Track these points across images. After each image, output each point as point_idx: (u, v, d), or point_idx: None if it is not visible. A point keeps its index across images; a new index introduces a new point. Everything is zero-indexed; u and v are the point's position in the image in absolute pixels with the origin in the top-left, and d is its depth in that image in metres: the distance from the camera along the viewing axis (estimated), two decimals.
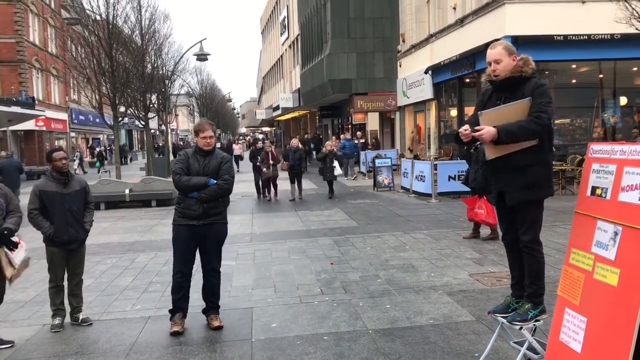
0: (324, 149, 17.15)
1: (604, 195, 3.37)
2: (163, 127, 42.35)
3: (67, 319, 5.80)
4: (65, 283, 5.83)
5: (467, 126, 3.66)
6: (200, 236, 5.39)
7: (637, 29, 12.99)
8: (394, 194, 16.70)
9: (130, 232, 11.66)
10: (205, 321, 5.56)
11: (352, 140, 24.18)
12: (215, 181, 5.32)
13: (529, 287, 3.93)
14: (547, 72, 18.44)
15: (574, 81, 19.05)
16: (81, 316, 5.82)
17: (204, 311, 5.65)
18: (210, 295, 5.62)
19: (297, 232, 10.66)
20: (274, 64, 59.11)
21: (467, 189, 14.62)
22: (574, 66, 18.53)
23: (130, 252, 9.42)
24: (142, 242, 10.46)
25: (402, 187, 16.97)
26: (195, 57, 27.29)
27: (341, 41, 29.78)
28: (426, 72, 22.65)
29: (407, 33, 26.15)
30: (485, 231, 9.44)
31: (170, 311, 5.51)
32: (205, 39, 29.66)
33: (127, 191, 15.89)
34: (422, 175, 15.14)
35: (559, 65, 17.96)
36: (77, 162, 35.09)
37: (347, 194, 17.14)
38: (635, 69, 18.48)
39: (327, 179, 16.27)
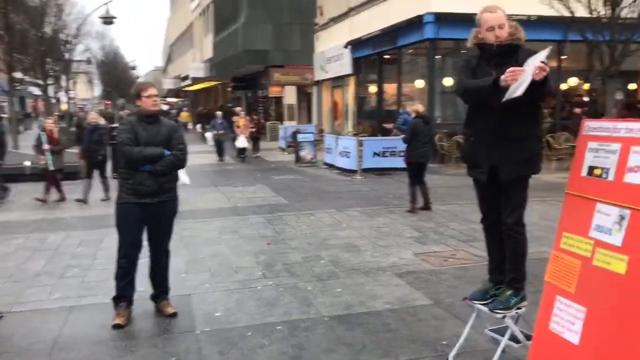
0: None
1: (604, 176, 3.13)
2: (59, 94, 39.45)
3: None
4: None
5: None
6: (152, 215, 4.78)
7: (557, 11, 13.32)
8: (317, 169, 16.40)
9: (33, 208, 10.54)
10: (135, 310, 4.96)
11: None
12: (169, 152, 4.71)
13: (510, 273, 3.69)
14: (463, 51, 18.72)
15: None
16: None
17: (154, 297, 5.08)
18: (162, 279, 5.09)
19: (223, 210, 10.06)
20: (183, 32, 56.71)
21: (391, 165, 14.67)
22: (469, 46, 18.91)
23: (37, 232, 8.44)
24: (50, 220, 9.46)
25: (325, 163, 16.69)
26: (101, 20, 25.49)
27: (257, 10, 28.85)
28: (345, 47, 22.36)
29: (325, 6, 25.69)
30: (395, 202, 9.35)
31: (113, 299, 4.88)
32: (111, 0, 27.66)
33: (27, 163, 14.41)
34: (346, 152, 14.92)
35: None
36: None
37: (269, 169, 16.63)
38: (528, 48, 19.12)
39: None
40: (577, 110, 20.22)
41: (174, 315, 4.93)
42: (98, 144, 11.24)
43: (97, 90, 78.17)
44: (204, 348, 4.29)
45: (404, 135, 9.83)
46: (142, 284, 5.27)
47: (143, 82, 4.99)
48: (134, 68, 73.29)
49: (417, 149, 9.34)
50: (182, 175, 5.10)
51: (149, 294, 5.14)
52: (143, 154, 4.61)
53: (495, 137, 3.47)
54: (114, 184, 12.26)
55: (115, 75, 59.30)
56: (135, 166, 4.65)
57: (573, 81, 18.98)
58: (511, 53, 3.50)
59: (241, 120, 19.90)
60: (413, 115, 9.52)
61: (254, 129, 20.45)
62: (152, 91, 4.75)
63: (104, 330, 4.65)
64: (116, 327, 4.66)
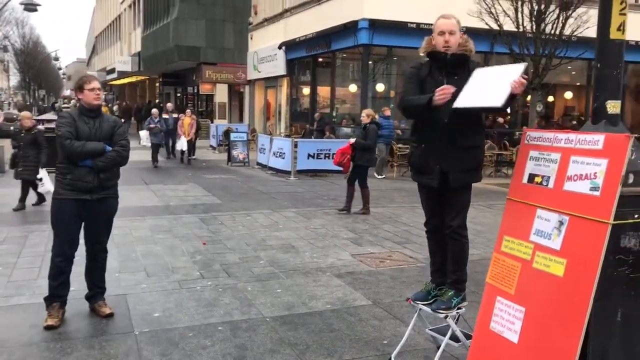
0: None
1: (545, 184, 3.32)
2: None
3: None
4: None
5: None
6: (90, 212, 4.60)
7: (486, 23, 13.89)
8: (250, 169, 16.29)
9: None
10: (68, 311, 4.75)
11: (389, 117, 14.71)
12: (110, 148, 4.56)
13: (452, 274, 3.83)
14: (395, 58, 19.18)
15: None
16: None
17: (89, 298, 4.89)
18: (98, 279, 4.90)
19: (155, 208, 9.82)
20: (110, 24, 54.80)
21: (325, 167, 14.78)
22: (422, 54, 19.45)
23: None
24: None
25: (258, 163, 16.60)
26: (22, 6, 24.19)
27: (190, 6, 28.33)
28: (280, 48, 22.37)
29: (259, 5, 25.60)
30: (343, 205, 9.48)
31: (45, 299, 4.66)
32: None
33: None
34: (281, 152, 14.90)
35: (409, 52, 18.63)
36: None
37: (201, 168, 16.36)
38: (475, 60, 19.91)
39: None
40: (500, 119, 21.16)
41: (110, 315, 4.77)
42: None
43: (14, 79, 74.14)
44: (144, 349, 4.18)
45: (363, 141, 9.29)
46: (75, 284, 5.07)
47: (86, 75, 4.85)
48: (56, 59, 69.93)
49: (373, 153, 9.72)
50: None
51: (83, 294, 4.95)
52: (84, 148, 4.45)
53: (446, 145, 3.58)
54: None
55: (34, 65, 56.45)
56: (75, 161, 4.48)
57: None
58: (462, 64, 3.64)
59: (187, 119, 17.57)
60: (368, 120, 9.42)
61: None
62: (95, 84, 4.62)
63: (35, 331, 4.43)
64: (49, 328, 4.46)
